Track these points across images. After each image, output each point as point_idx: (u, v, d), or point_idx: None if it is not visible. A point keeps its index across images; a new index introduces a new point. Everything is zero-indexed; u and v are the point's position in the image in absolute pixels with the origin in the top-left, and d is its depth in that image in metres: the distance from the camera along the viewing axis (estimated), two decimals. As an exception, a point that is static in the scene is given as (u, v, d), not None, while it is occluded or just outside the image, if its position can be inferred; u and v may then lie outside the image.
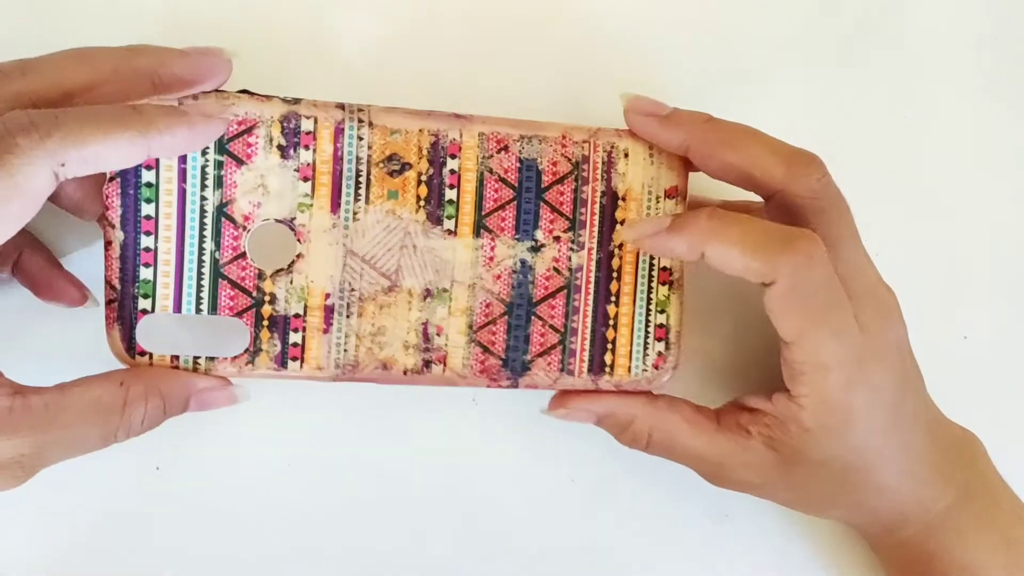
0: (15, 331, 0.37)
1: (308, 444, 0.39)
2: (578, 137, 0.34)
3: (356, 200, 0.32)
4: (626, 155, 0.34)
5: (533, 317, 0.34)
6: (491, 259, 0.34)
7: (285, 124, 0.32)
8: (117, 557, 0.37)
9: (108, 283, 0.31)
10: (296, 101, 0.32)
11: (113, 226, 0.31)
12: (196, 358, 0.32)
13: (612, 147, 0.34)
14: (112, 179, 0.31)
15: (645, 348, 0.35)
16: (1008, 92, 0.44)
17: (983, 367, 0.43)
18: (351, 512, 0.39)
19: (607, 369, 0.35)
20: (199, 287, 0.32)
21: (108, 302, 0.31)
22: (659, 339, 0.35)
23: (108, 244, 0.31)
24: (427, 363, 0.34)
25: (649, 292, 0.35)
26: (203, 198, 0.31)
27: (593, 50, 0.41)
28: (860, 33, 0.43)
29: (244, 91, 0.32)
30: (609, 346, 0.35)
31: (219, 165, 0.31)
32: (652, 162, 0.34)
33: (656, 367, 0.35)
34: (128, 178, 0.31)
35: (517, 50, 0.41)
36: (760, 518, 0.41)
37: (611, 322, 0.35)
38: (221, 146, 0.31)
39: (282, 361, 0.33)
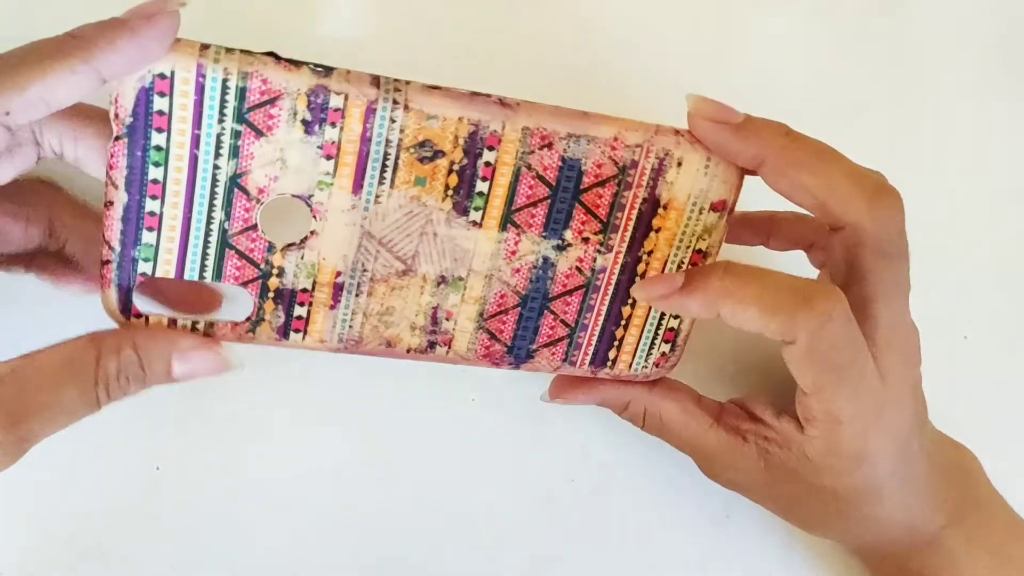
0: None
1: (307, 444, 0.38)
2: (632, 140, 0.31)
3: (380, 183, 0.30)
4: (679, 164, 0.31)
5: (546, 311, 0.33)
6: (513, 253, 0.32)
7: (312, 99, 0.28)
8: (117, 557, 0.37)
9: (106, 242, 0.29)
10: (327, 72, 0.28)
11: (116, 186, 0.29)
12: (195, 322, 0.31)
13: (666, 154, 0.31)
14: (118, 138, 0.28)
15: (651, 348, 0.35)
16: (1008, 92, 0.44)
17: (983, 367, 0.43)
18: (351, 512, 0.39)
19: (609, 363, 0.35)
20: (204, 255, 0.30)
21: (104, 262, 0.30)
22: (667, 341, 0.35)
23: (109, 204, 0.29)
24: (432, 344, 0.33)
25: None
26: (216, 167, 0.29)
27: (592, 47, 0.41)
28: (860, 33, 0.43)
29: (271, 54, 0.28)
30: (616, 343, 0.34)
31: (236, 135, 0.28)
32: (706, 173, 0.32)
33: (657, 365, 0.35)
34: (136, 139, 0.28)
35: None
36: (760, 518, 0.40)
37: (623, 322, 0.34)
38: (240, 115, 0.28)
39: (284, 332, 0.32)
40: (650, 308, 0.34)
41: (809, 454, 0.33)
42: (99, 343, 0.29)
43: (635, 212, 0.32)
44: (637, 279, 0.33)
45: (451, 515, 0.40)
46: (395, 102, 0.29)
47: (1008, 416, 0.43)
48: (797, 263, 0.37)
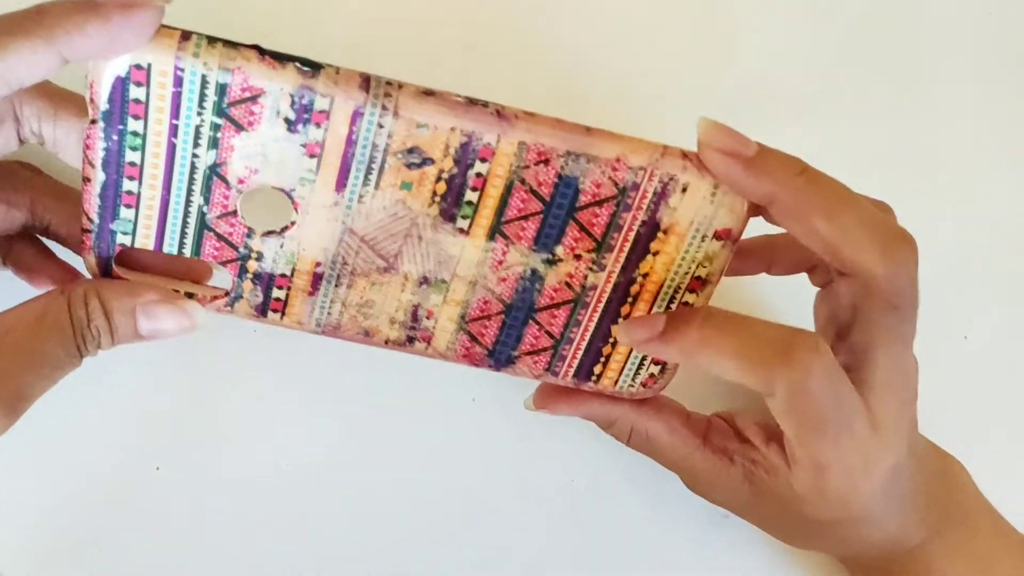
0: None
1: (307, 444, 0.38)
2: (635, 162, 0.29)
3: (365, 184, 0.29)
4: (684, 189, 0.30)
5: (531, 320, 0.32)
6: (500, 263, 0.31)
7: (296, 99, 0.27)
8: (117, 557, 0.37)
9: (85, 214, 0.29)
10: (314, 71, 0.27)
11: (93, 165, 0.28)
12: (175, 291, 0.31)
13: (671, 179, 0.29)
14: (94, 121, 0.27)
15: (639, 368, 0.34)
16: (1008, 92, 0.44)
17: (983, 367, 0.43)
18: (350, 512, 0.39)
19: (593, 378, 0.34)
20: (183, 233, 0.30)
21: (84, 230, 0.29)
22: (656, 363, 0.33)
23: (86, 180, 0.28)
24: (411, 339, 0.33)
25: None
26: (195, 155, 0.28)
27: (591, 45, 0.40)
28: (860, 33, 0.43)
29: (255, 47, 0.27)
30: (602, 359, 0.33)
31: (215, 127, 0.27)
32: (712, 201, 0.30)
33: (644, 385, 0.34)
34: (112, 124, 0.27)
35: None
36: None
37: (612, 340, 0.33)
38: (220, 109, 0.27)
39: (262, 311, 0.32)
40: None
41: (795, 487, 0.32)
42: (68, 292, 0.29)
43: (632, 234, 0.30)
44: (629, 299, 0.32)
45: (451, 515, 0.40)
46: (384, 108, 0.27)
47: (1008, 416, 0.43)
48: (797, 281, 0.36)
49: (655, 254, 0.31)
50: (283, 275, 0.31)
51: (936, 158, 0.43)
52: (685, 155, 0.29)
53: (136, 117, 0.27)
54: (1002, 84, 0.44)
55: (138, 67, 0.26)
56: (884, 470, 0.32)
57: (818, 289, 0.35)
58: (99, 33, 0.25)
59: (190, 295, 0.31)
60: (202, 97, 0.27)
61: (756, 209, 0.30)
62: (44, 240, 0.34)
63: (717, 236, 0.30)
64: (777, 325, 0.30)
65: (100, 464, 0.37)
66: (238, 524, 0.38)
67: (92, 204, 0.29)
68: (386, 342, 0.33)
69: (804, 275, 0.36)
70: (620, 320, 0.32)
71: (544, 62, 0.39)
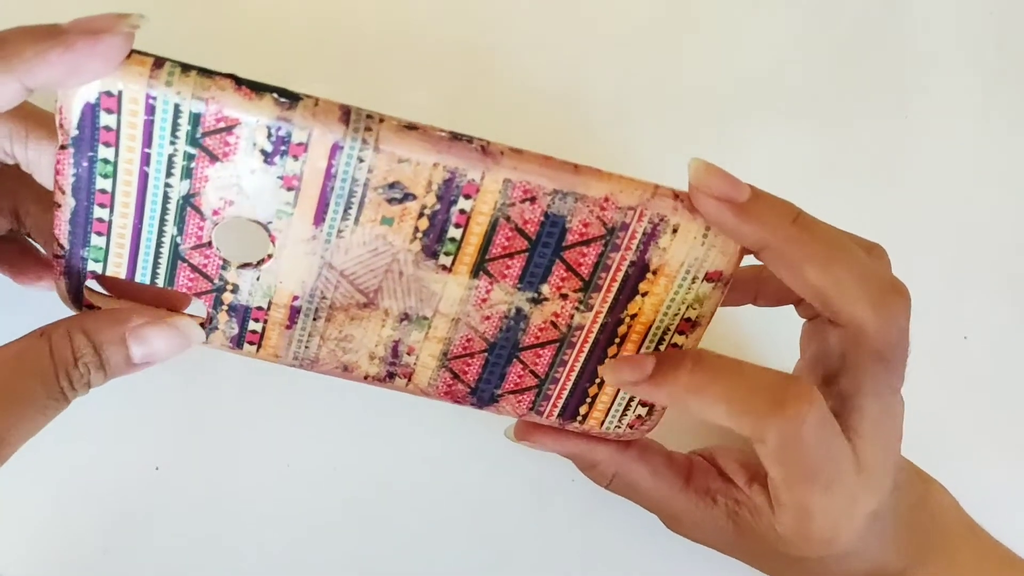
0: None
1: (308, 444, 0.38)
2: (624, 202, 0.28)
3: (344, 219, 0.28)
4: (675, 231, 0.29)
5: (515, 360, 0.31)
6: (483, 300, 0.30)
7: (273, 131, 0.26)
8: (117, 557, 0.37)
9: (56, 240, 0.28)
10: (292, 103, 0.26)
11: (63, 191, 0.27)
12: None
13: (661, 219, 0.28)
14: (64, 147, 0.26)
15: (626, 409, 0.33)
16: (1008, 92, 0.44)
17: (983, 367, 0.42)
18: (351, 512, 0.38)
19: (579, 418, 0.33)
20: (156, 263, 0.29)
21: (55, 256, 0.29)
22: (643, 405, 0.32)
23: (57, 205, 0.27)
24: (391, 375, 0.32)
25: None
26: (168, 185, 0.27)
27: (591, 46, 0.40)
28: (860, 33, 0.43)
29: (231, 76, 0.26)
30: (588, 400, 0.32)
31: (189, 157, 0.26)
32: (703, 243, 0.29)
33: (631, 427, 0.33)
34: (82, 150, 0.26)
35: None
36: None
37: (598, 381, 0.32)
38: (194, 139, 0.26)
39: (238, 343, 0.31)
40: None
41: (778, 529, 0.32)
42: (48, 333, 0.28)
43: (621, 274, 0.29)
44: (616, 340, 0.31)
45: (451, 515, 0.39)
46: (364, 141, 0.26)
47: (1008, 416, 0.42)
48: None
49: (644, 295, 0.30)
50: (259, 308, 0.30)
51: (936, 158, 0.43)
52: (676, 196, 0.28)
53: (107, 144, 0.26)
54: (1002, 84, 0.44)
55: (108, 94, 0.25)
56: (867, 512, 0.32)
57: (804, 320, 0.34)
58: (62, 61, 0.24)
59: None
60: (175, 126, 0.26)
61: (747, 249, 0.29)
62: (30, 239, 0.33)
63: (708, 278, 0.30)
64: (769, 371, 0.29)
65: (100, 464, 0.37)
66: (239, 525, 0.38)
67: (63, 230, 0.28)
68: (365, 377, 0.32)
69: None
70: (607, 360, 0.31)
71: (544, 62, 0.39)
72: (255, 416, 0.38)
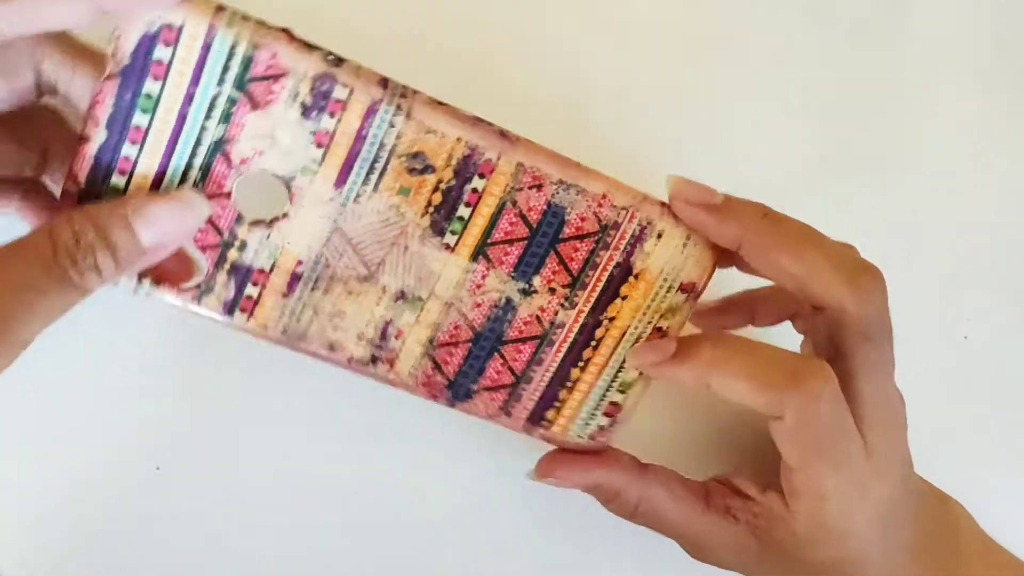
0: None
1: (309, 444, 0.38)
2: (619, 201, 0.31)
3: (364, 183, 0.29)
4: (659, 236, 0.31)
5: (496, 353, 0.33)
6: (478, 286, 0.31)
7: (317, 85, 0.28)
8: (117, 557, 0.37)
9: (72, 175, 0.28)
10: (339, 62, 0.28)
11: (97, 123, 0.28)
12: (141, 275, 0.30)
13: (648, 223, 0.31)
14: (110, 76, 0.27)
15: (591, 417, 0.34)
16: (1008, 92, 0.44)
17: (983, 367, 0.43)
18: (351, 512, 0.38)
19: (544, 423, 0.34)
20: None
21: (65, 192, 0.29)
22: (607, 415, 0.34)
23: (85, 139, 0.28)
24: (375, 359, 0.32)
25: (619, 370, 0.33)
26: (204, 128, 0.28)
27: (591, 47, 0.40)
28: (860, 33, 0.43)
29: (286, 31, 0.28)
30: (557, 404, 0.34)
31: (232, 101, 0.28)
32: (682, 252, 0.32)
33: (592, 438, 0.34)
34: (128, 81, 0.27)
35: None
36: None
37: (569, 384, 0.33)
38: (241, 83, 0.28)
39: (230, 309, 0.31)
40: (599, 374, 0.33)
41: (795, 529, 0.32)
42: (51, 224, 0.27)
43: (607, 274, 0.32)
44: (592, 343, 0.33)
45: (451, 515, 0.39)
46: (398, 107, 0.29)
47: (1008, 416, 0.43)
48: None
49: (624, 298, 0.32)
50: (261, 270, 0.30)
51: (936, 158, 0.43)
52: (663, 204, 0.31)
53: (155, 78, 0.27)
54: (1003, 84, 0.44)
55: (169, 27, 0.27)
56: (879, 499, 0.33)
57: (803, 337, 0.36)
58: None
59: (157, 283, 0.30)
60: (226, 68, 0.27)
61: (730, 258, 0.32)
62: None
63: (682, 288, 0.32)
64: (785, 351, 0.31)
65: (100, 464, 0.36)
66: (239, 525, 0.37)
67: (84, 165, 0.28)
68: (349, 360, 0.32)
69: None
70: (580, 364, 0.33)
71: (544, 64, 0.40)
72: (256, 416, 0.37)
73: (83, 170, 0.28)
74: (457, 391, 0.33)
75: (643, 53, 0.41)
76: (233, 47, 0.27)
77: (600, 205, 0.31)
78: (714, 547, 0.34)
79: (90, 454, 0.36)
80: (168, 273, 0.30)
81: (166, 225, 0.28)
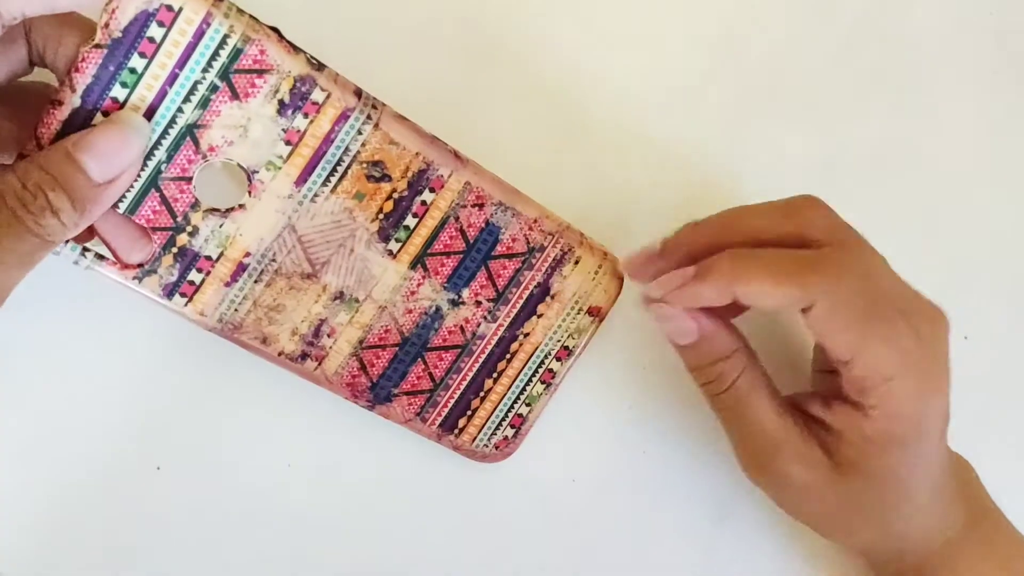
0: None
1: (309, 445, 0.37)
2: (547, 227, 0.34)
3: (324, 184, 0.31)
4: (576, 262, 0.35)
5: (420, 359, 0.35)
6: (412, 293, 0.34)
7: (298, 85, 0.29)
8: (117, 557, 0.36)
9: (36, 137, 0.28)
10: (320, 67, 0.30)
11: (73, 89, 0.28)
12: (85, 248, 0.30)
13: (569, 249, 0.35)
14: (98, 46, 0.28)
15: (497, 427, 0.36)
16: (1008, 92, 0.44)
17: (983, 367, 0.42)
18: (351, 512, 0.38)
19: (455, 431, 0.36)
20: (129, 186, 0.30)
21: (21, 156, 0.28)
22: (512, 426, 0.37)
23: (57, 103, 0.28)
24: (304, 355, 0.33)
25: (527, 383, 0.36)
26: (179, 110, 0.29)
27: (590, 47, 0.40)
28: (860, 33, 0.42)
29: (275, 30, 0.29)
30: (468, 412, 0.36)
31: (213, 88, 0.29)
32: (593, 279, 0.35)
33: (497, 447, 0.37)
34: (116, 54, 0.28)
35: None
36: (760, 518, 0.40)
37: (482, 394, 0.36)
38: (225, 72, 0.29)
39: (170, 293, 0.31)
40: (510, 386, 0.36)
41: (868, 434, 0.32)
42: None
43: (527, 292, 0.35)
44: (507, 355, 0.35)
45: (452, 515, 0.39)
46: (368, 117, 0.31)
47: (1009, 416, 0.43)
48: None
49: (539, 316, 0.35)
50: (208, 257, 0.31)
51: (936, 158, 0.43)
52: (582, 234, 0.35)
53: (142, 55, 0.28)
54: (1002, 84, 0.44)
55: (169, 8, 0.28)
56: (943, 391, 0.32)
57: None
58: None
59: (100, 257, 0.30)
60: (214, 55, 0.28)
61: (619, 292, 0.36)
62: None
63: (590, 311, 0.36)
64: (800, 250, 0.31)
65: (101, 464, 0.36)
66: (240, 525, 0.37)
67: (50, 130, 0.28)
68: (279, 354, 0.33)
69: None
70: (494, 375, 0.36)
71: (544, 65, 0.40)
72: (256, 416, 0.37)
73: (48, 135, 0.28)
74: (379, 393, 0.35)
75: (642, 54, 0.41)
76: (225, 37, 0.28)
77: (531, 229, 0.34)
78: (786, 456, 0.33)
79: (90, 454, 0.36)
80: (115, 248, 0.30)
81: (108, 150, 0.27)
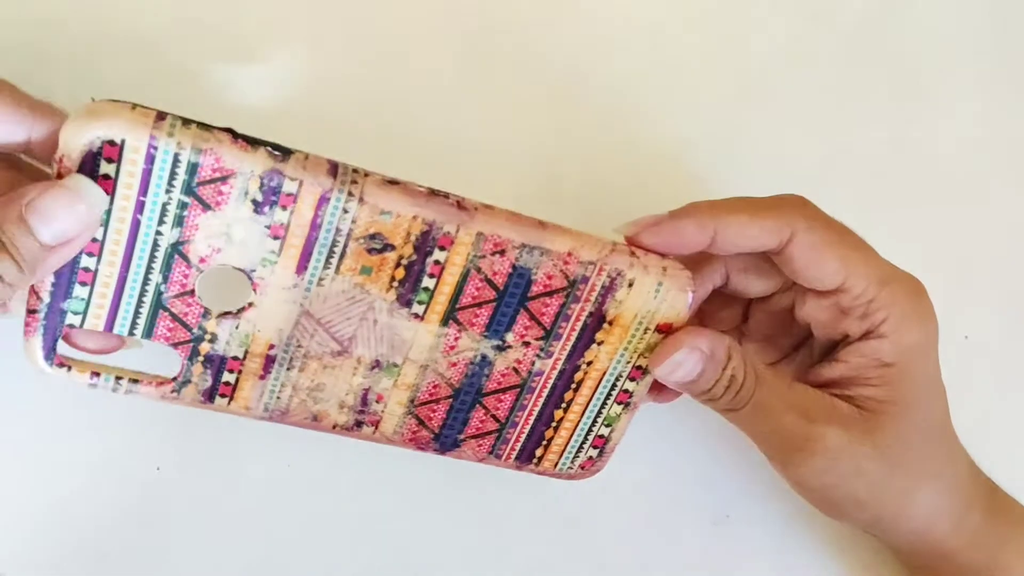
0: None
1: (309, 445, 0.37)
2: (586, 256, 0.31)
3: (326, 268, 0.29)
4: (630, 285, 0.31)
5: (478, 405, 0.33)
6: (452, 348, 0.32)
7: (265, 181, 0.28)
8: (117, 557, 0.37)
9: (35, 292, 0.29)
10: (284, 156, 0.28)
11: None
12: (119, 377, 0.30)
13: (619, 274, 0.31)
14: None
15: (579, 450, 0.35)
16: (1008, 92, 0.44)
17: (983, 367, 0.43)
18: (352, 513, 0.38)
19: (535, 461, 0.35)
20: (136, 314, 0.30)
21: (31, 311, 0.29)
22: (595, 447, 0.35)
23: None
24: (359, 423, 0.33)
25: (603, 407, 0.34)
26: (159, 233, 0.28)
27: (590, 47, 0.40)
28: (860, 33, 0.43)
29: (229, 130, 0.27)
30: (544, 443, 0.34)
31: (183, 206, 0.28)
32: (655, 296, 0.32)
33: (583, 468, 0.35)
34: None
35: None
36: (760, 518, 0.40)
37: (554, 424, 0.34)
38: (189, 188, 0.27)
39: (210, 396, 0.31)
40: (582, 413, 0.34)
41: (888, 357, 0.33)
42: None
43: (580, 324, 0.32)
44: (572, 385, 0.33)
45: (452, 514, 0.39)
46: (350, 194, 0.28)
47: (1009, 416, 0.43)
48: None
49: (600, 343, 0.32)
50: (235, 357, 0.31)
51: (936, 158, 0.43)
52: (633, 252, 0.31)
53: (104, 193, 0.27)
54: (1003, 84, 0.44)
55: (111, 143, 0.26)
56: (934, 315, 0.34)
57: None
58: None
59: (135, 381, 0.31)
60: (172, 175, 0.27)
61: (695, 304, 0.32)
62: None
63: (659, 329, 0.32)
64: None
65: (100, 464, 0.37)
66: (239, 525, 0.38)
67: (45, 281, 0.28)
68: (334, 427, 0.33)
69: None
70: (562, 406, 0.33)
71: (543, 64, 0.40)
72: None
73: (44, 286, 0.28)
74: (444, 442, 0.34)
75: (642, 54, 0.41)
76: (177, 156, 0.27)
77: (566, 263, 0.30)
78: (819, 421, 0.33)
79: (90, 454, 0.37)
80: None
81: (61, 219, 0.26)
